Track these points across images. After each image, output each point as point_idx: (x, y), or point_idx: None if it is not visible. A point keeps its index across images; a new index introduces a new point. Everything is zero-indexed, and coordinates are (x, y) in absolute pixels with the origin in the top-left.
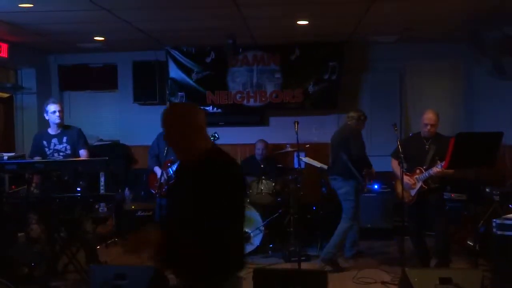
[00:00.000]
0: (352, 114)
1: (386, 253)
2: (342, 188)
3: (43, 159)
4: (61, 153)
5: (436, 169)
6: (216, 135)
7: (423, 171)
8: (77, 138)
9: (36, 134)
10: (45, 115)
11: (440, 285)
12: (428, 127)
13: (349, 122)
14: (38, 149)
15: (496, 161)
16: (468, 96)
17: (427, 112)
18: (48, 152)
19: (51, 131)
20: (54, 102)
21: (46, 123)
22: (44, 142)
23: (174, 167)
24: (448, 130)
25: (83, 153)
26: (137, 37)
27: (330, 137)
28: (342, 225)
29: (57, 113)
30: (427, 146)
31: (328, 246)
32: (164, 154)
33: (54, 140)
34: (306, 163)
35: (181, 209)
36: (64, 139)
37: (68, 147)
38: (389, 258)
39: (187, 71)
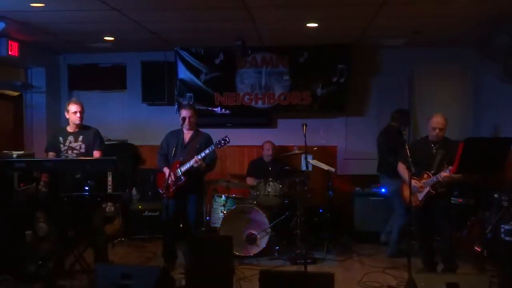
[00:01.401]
0: (395, 114)
1: (392, 257)
2: (390, 186)
3: (57, 155)
4: (75, 151)
5: (444, 173)
6: (227, 139)
7: (431, 175)
8: (93, 139)
9: (55, 130)
10: (65, 113)
11: None
12: (437, 131)
13: (392, 123)
14: (53, 144)
15: (505, 166)
16: (476, 100)
17: (436, 116)
18: (62, 149)
19: (70, 128)
20: (75, 103)
21: (64, 122)
22: (60, 138)
23: (183, 168)
24: (456, 134)
25: (96, 154)
26: (147, 38)
27: (337, 140)
28: (398, 222)
29: (78, 114)
30: (434, 150)
31: (391, 245)
32: (172, 154)
33: (70, 138)
34: (313, 166)
35: None
36: (80, 138)
37: (83, 146)
38: (396, 262)
39: (195, 72)
